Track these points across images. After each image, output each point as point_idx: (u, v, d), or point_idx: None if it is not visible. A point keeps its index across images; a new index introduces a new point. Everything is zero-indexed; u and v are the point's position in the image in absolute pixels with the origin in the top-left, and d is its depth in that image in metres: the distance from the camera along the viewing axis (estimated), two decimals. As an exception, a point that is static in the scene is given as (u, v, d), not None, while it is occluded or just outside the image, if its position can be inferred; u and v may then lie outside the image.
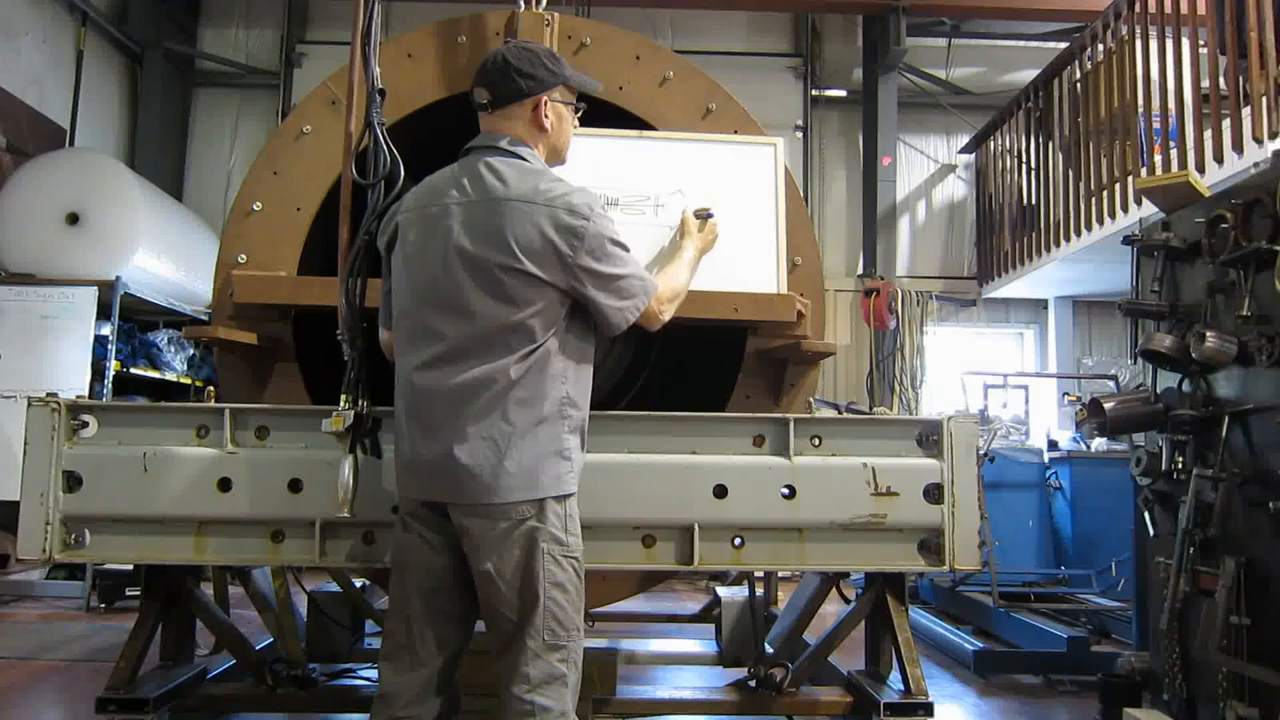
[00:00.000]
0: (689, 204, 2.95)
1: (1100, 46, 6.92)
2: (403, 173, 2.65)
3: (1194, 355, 3.06)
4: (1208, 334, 3.01)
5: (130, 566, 5.32)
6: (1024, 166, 8.29)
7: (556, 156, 2.42)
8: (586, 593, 3.09)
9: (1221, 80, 5.63)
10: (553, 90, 2.32)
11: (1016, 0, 8.63)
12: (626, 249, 2.27)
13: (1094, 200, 6.87)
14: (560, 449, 2.16)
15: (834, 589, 3.40)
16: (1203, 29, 5.72)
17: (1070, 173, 7.37)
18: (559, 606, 2.12)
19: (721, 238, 3.13)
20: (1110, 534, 5.92)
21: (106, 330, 6.24)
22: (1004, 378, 7.45)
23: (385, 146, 2.69)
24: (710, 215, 2.83)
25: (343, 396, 2.54)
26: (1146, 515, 3.40)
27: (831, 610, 3.48)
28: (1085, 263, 7.45)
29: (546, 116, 2.31)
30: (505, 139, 2.27)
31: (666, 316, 2.40)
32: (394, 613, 2.25)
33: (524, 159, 2.26)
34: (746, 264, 3.11)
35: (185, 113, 9.53)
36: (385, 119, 2.76)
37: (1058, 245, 7.47)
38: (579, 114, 2.46)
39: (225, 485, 2.71)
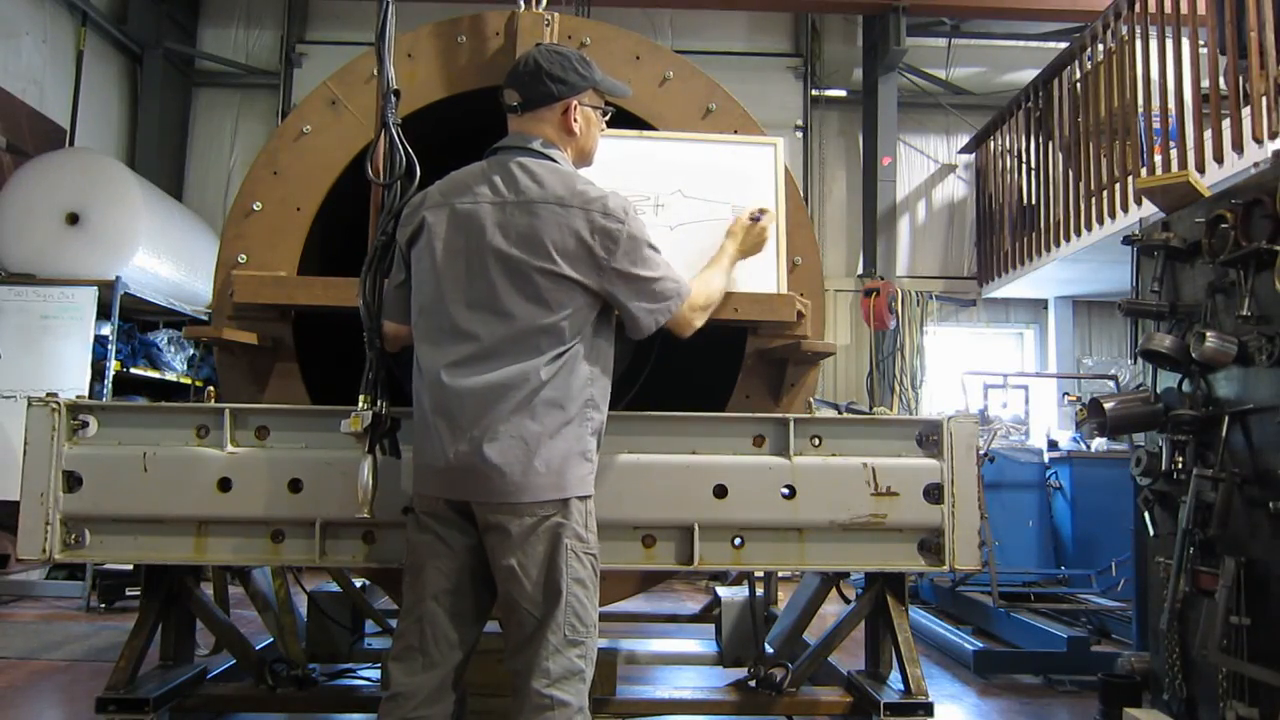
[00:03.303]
0: (746, 206, 2.93)
1: (1100, 46, 6.92)
2: (419, 172, 2.65)
3: (1194, 355, 3.06)
4: (1208, 334, 3.01)
5: (130, 566, 5.32)
6: (1024, 166, 8.29)
7: (584, 159, 2.44)
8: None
9: (1221, 80, 5.63)
10: (582, 95, 2.34)
11: (1016, 0, 8.63)
12: (658, 251, 2.29)
13: (1094, 200, 6.87)
14: (584, 450, 2.19)
15: (834, 589, 3.40)
16: (1203, 29, 5.72)
17: (1070, 173, 7.37)
18: (579, 602, 2.14)
19: (722, 237, 3.13)
20: (1110, 534, 5.92)
21: (106, 330, 6.24)
22: (1004, 378, 7.45)
23: (401, 146, 2.69)
24: (759, 218, 2.79)
25: (361, 396, 2.52)
26: (1146, 515, 3.40)
27: (831, 610, 3.48)
28: (1085, 263, 7.45)
29: (576, 120, 2.33)
30: (537, 140, 2.30)
31: (698, 323, 2.41)
32: (406, 613, 2.25)
33: (556, 161, 2.28)
34: (746, 264, 3.11)
35: (185, 113, 9.53)
36: (384, 119, 2.76)
37: (1058, 245, 7.47)
38: (607, 117, 2.48)
39: (225, 485, 2.71)
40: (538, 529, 2.12)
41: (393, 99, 2.75)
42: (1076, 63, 7.35)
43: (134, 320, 7.14)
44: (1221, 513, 2.99)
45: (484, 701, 2.59)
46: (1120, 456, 6.13)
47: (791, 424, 2.81)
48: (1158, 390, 3.40)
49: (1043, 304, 9.32)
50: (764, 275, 3.11)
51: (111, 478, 2.71)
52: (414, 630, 2.21)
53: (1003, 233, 8.64)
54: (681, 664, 4.25)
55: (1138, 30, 6.32)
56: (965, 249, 9.68)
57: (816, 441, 2.83)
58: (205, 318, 6.88)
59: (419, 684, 2.17)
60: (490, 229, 2.18)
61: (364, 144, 3.02)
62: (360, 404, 2.51)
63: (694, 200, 3.06)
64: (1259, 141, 5.11)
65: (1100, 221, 6.76)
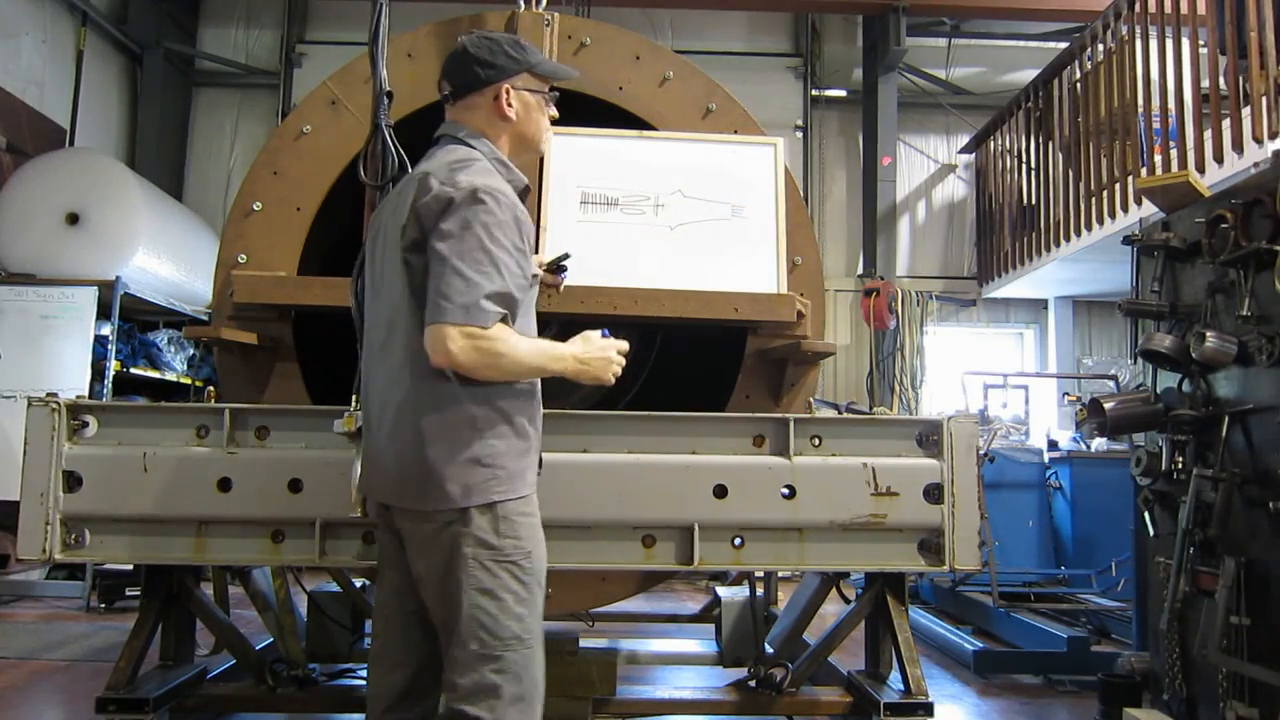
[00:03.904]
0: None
1: (1100, 46, 6.92)
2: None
3: (1194, 355, 3.06)
4: (1208, 334, 3.01)
5: (130, 566, 5.32)
6: (1024, 166, 8.29)
7: (527, 145, 2.30)
8: (586, 592, 3.09)
9: (1221, 80, 5.63)
10: (515, 78, 2.22)
11: (1016, 0, 8.64)
12: (499, 268, 1.94)
13: (1094, 200, 6.87)
14: (482, 455, 2.00)
15: (834, 589, 3.40)
16: (1203, 29, 5.72)
17: (1070, 173, 7.37)
18: (487, 614, 1.96)
19: (722, 237, 3.12)
20: (1110, 534, 5.92)
21: (106, 330, 6.24)
22: (1004, 378, 7.45)
23: (393, 148, 2.70)
24: (606, 333, 2.23)
25: (354, 397, 2.54)
26: (1146, 515, 3.40)
27: (831, 610, 3.48)
28: (1085, 263, 7.45)
29: (510, 105, 2.21)
30: (464, 130, 2.20)
31: (463, 361, 1.91)
32: (375, 614, 2.25)
33: (472, 147, 2.16)
34: (746, 264, 3.12)
35: (185, 113, 9.53)
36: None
37: (1058, 245, 7.47)
38: (553, 102, 2.32)
39: (225, 485, 2.71)
40: (437, 537, 2.00)
41: (385, 101, 2.75)
42: (1076, 63, 7.34)
43: (134, 320, 7.14)
44: (1221, 513, 2.99)
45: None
46: (1120, 456, 6.13)
47: (791, 424, 2.81)
48: (1158, 390, 3.40)
49: (1043, 304, 9.32)
50: (764, 275, 3.11)
51: (111, 478, 2.71)
52: (382, 629, 2.20)
53: (1003, 233, 8.64)
54: (681, 664, 4.25)
55: (1138, 30, 6.32)
56: (965, 249, 9.68)
57: (816, 441, 2.83)
58: (205, 318, 6.88)
59: (390, 684, 2.15)
60: (386, 214, 2.17)
61: (364, 144, 3.02)
62: (353, 404, 2.53)
63: (694, 200, 3.07)
64: (1259, 141, 5.11)
65: (1100, 221, 6.76)
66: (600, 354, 2.17)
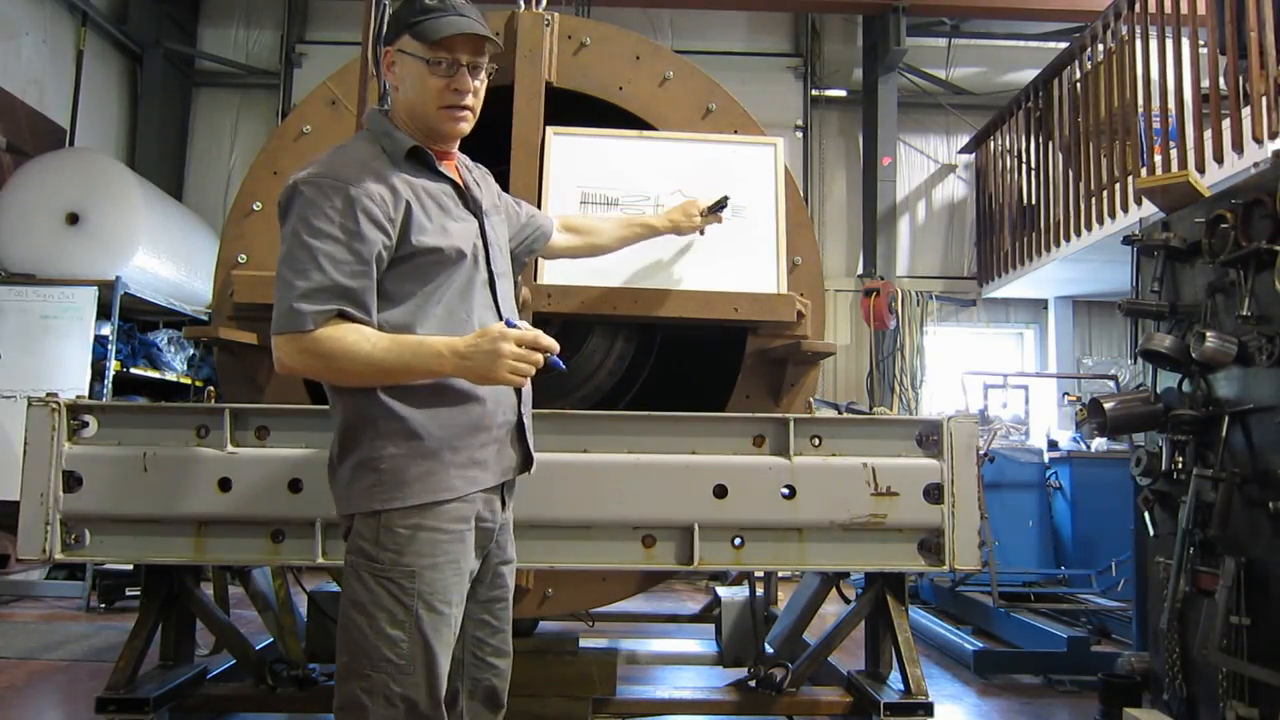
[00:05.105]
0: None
1: (1100, 46, 6.92)
2: None
3: (1194, 355, 3.06)
4: (1208, 334, 3.01)
5: (130, 566, 5.32)
6: (1024, 166, 8.29)
7: (420, 121, 1.99)
8: (586, 592, 3.08)
9: (1221, 80, 5.63)
10: (400, 40, 1.95)
11: (1016, 0, 8.64)
12: (323, 255, 1.80)
13: (1094, 200, 6.87)
14: (369, 458, 1.87)
15: (834, 589, 3.40)
16: (1203, 29, 5.72)
17: (1070, 173, 7.37)
18: (357, 629, 1.84)
19: (722, 237, 3.12)
20: (1110, 534, 5.92)
21: (106, 330, 6.24)
22: (1004, 378, 7.45)
23: None
24: (510, 322, 1.89)
25: None
26: (1146, 515, 3.40)
27: (831, 610, 3.49)
28: (1085, 263, 7.45)
29: (392, 70, 1.98)
30: (373, 111, 2.08)
31: (293, 367, 1.84)
32: None
33: (364, 127, 2.05)
34: (746, 264, 3.12)
35: (185, 113, 9.53)
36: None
37: (1058, 245, 7.47)
38: (454, 68, 1.94)
39: (225, 485, 2.71)
40: (347, 540, 1.94)
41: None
42: (1076, 63, 7.35)
43: (134, 320, 7.14)
44: (1221, 513, 2.99)
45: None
46: (1120, 456, 6.13)
47: (791, 424, 2.81)
48: (1158, 390, 3.40)
49: (1043, 304, 9.32)
50: (764, 275, 3.11)
51: (111, 478, 2.71)
52: None
53: (1003, 233, 8.64)
54: (681, 664, 4.25)
55: (1138, 30, 6.32)
56: (965, 249, 9.68)
57: (816, 441, 2.83)
58: (205, 318, 6.88)
59: None
60: None
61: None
62: None
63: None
64: (1259, 141, 5.11)
65: (1100, 221, 6.76)
66: (489, 348, 1.80)
